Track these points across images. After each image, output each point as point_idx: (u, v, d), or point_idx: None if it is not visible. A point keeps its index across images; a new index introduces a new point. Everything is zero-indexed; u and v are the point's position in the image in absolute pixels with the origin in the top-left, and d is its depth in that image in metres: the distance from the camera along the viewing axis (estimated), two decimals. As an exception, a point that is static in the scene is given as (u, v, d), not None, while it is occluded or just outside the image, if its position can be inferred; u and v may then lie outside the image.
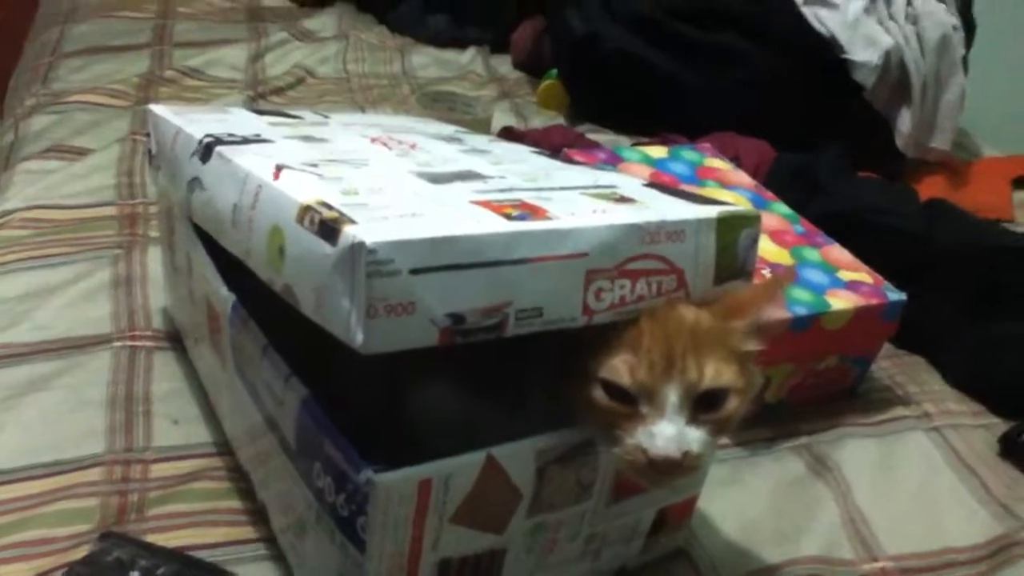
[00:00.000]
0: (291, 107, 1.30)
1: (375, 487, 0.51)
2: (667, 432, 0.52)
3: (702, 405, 0.54)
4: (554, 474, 0.57)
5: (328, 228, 0.48)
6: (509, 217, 0.52)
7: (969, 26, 1.43)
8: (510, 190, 0.59)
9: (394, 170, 0.64)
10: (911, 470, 0.84)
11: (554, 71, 1.48)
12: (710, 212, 0.58)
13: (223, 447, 0.75)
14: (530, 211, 0.54)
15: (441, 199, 0.57)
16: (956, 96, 1.39)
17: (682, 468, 0.53)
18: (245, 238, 0.58)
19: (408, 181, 0.60)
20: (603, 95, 1.43)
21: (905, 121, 1.37)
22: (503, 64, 1.63)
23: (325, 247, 0.48)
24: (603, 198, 0.60)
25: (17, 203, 1.04)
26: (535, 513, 0.58)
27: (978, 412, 0.93)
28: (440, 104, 1.28)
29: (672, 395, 0.53)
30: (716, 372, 0.54)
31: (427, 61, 1.60)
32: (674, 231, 0.56)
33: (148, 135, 0.79)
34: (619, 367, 0.53)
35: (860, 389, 0.93)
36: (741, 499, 0.78)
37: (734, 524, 0.75)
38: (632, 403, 0.54)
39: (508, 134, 1.26)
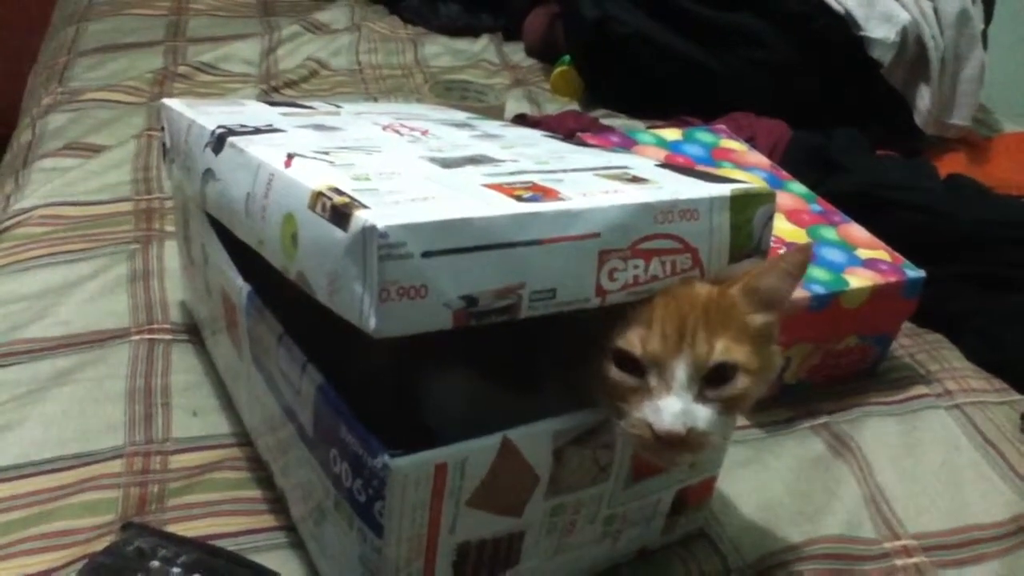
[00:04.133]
0: (305, 99, 1.30)
1: (391, 471, 0.51)
2: (673, 407, 0.52)
3: (712, 382, 0.54)
4: (571, 455, 0.57)
5: (340, 213, 0.48)
6: (520, 199, 0.52)
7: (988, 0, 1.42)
8: (522, 173, 0.59)
9: (405, 155, 0.64)
10: (933, 448, 0.84)
11: (567, 57, 1.48)
12: (724, 190, 0.58)
13: (242, 437, 0.76)
14: (542, 193, 0.54)
15: (452, 183, 0.56)
16: (975, 71, 1.38)
17: (687, 444, 0.53)
18: (259, 227, 0.58)
19: (419, 166, 0.60)
20: (617, 79, 1.42)
21: (924, 98, 1.36)
22: (516, 52, 1.62)
23: (337, 232, 0.48)
24: (615, 179, 0.59)
25: (35, 201, 1.05)
26: (553, 495, 0.58)
27: (1000, 389, 0.92)
28: (453, 93, 1.28)
29: (680, 369, 0.53)
30: (726, 348, 0.53)
31: (440, 50, 1.59)
32: (687, 209, 0.56)
33: (162, 129, 0.79)
34: (632, 338, 0.53)
35: (880, 368, 0.92)
36: (761, 479, 0.78)
37: (755, 504, 0.75)
38: (642, 376, 0.53)
39: (522, 121, 1.26)
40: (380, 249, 0.46)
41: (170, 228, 1.01)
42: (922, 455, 0.83)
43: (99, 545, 0.64)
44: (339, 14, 1.67)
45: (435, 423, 0.59)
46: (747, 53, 1.36)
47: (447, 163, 0.61)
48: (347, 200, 0.49)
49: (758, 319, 0.56)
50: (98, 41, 1.49)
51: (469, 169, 0.60)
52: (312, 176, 0.54)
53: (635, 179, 0.60)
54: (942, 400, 0.89)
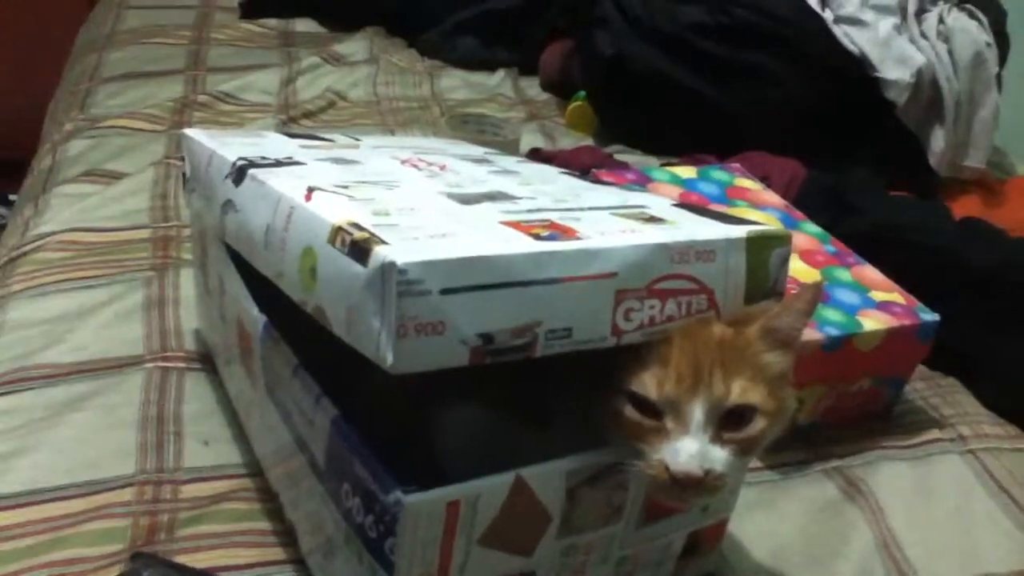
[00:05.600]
0: (323, 130, 1.31)
1: (404, 508, 0.51)
2: (690, 449, 0.52)
3: (728, 424, 0.54)
4: (584, 496, 0.57)
5: (359, 249, 0.49)
6: (538, 237, 0.52)
7: (1003, 42, 1.42)
8: (539, 211, 0.60)
9: (424, 191, 0.64)
10: (946, 494, 0.83)
11: (582, 92, 1.49)
12: (740, 232, 0.58)
13: (253, 468, 0.76)
14: (559, 231, 0.54)
15: (471, 220, 0.57)
16: (990, 113, 1.38)
17: (704, 486, 0.53)
18: (278, 259, 0.59)
19: (438, 202, 0.61)
20: (632, 115, 1.43)
21: (938, 139, 1.36)
22: (532, 86, 1.64)
23: (356, 267, 0.48)
24: (632, 218, 0.60)
25: (54, 226, 1.06)
26: (565, 535, 0.58)
27: (1015, 436, 0.91)
28: (469, 126, 1.28)
29: (697, 411, 0.53)
30: (743, 390, 0.53)
31: (456, 83, 1.61)
32: (704, 251, 0.56)
33: (182, 158, 0.80)
34: (647, 380, 0.53)
35: (894, 411, 0.92)
36: (773, 523, 0.77)
37: (766, 548, 0.74)
38: (658, 417, 0.53)
39: (536, 155, 1.27)
40: (399, 285, 0.46)
41: (186, 256, 1.02)
42: (935, 501, 0.82)
43: (108, 575, 0.64)
44: (358, 46, 1.69)
45: (448, 459, 0.59)
46: (762, 92, 1.37)
47: (465, 199, 0.62)
48: (367, 235, 0.49)
49: (774, 360, 0.56)
50: (119, 69, 1.51)
51: (487, 206, 0.60)
52: (332, 210, 0.54)
53: (652, 219, 0.60)
54: (956, 445, 0.88)
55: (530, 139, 1.39)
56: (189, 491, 0.74)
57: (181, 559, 0.67)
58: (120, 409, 0.81)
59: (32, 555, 0.67)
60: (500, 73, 1.65)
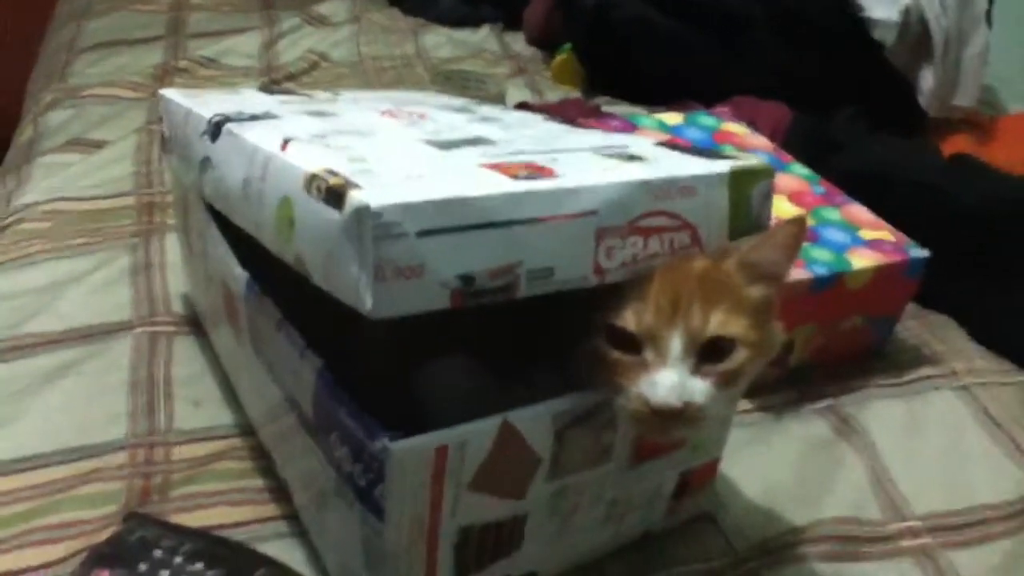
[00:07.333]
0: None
1: (391, 454, 0.50)
2: (669, 381, 0.52)
3: (708, 356, 0.53)
4: (573, 437, 0.57)
5: (334, 194, 0.48)
6: (516, 177, 0.52)
7: (991, -22, 1.41)
8: (519, 153, 0.59)
9: (402, 138, 0.64)
10: (939, 429, 0.83)
11: (567, 45, 1.47)
12: (722, 167, 0.57)
13: (244, 428, 0.76)
14: (538, 172, 0.53)
15: (449, 164, 0.56)
16: (979, 51, 1.37)
17: (684, 418, 0.52)
18: (256, 212, 0.58)
19: (416, 148, 0.60)
20: (617, 65, 1.41)
21: (927, 79, 1.35)
22: (517, 41, 1.62)
23: (332, 213, 0.48)
24: (613, 157, 0.59)
25: (37, 196, 1.05)
26: (555, 477, 0.58)
27: (1007, 370, 0.91)
28: (454, 83, 1.27)
29: (676, 343, 0.52)
30: (722, 321, 0.53)
31: (440, 41, 1.59)
32: (686, 187, 0.55)
33: (161, 120, 0.79)
34: (627, 314, 0.53)
35: (886, 349, 0.92)
36: (765, 462, 0.77)
37: (759, 487, 0.75)
38: (638, 352, 0.53)
39: (524, 109, 1.26)
40: (375, 229, 0.46)
41: (171, 221, 1.01)
42: (928, 436, 0.82)
43: (102, 537, 0.64)
44: (339, 6, 1.66)
45: (433, 408, 0.59)
46: (747, 37, 1.35)
47: (444, 145, 0.61)
48: (342, 181, 0.48)
49: (754, 292, 0.56)
50: (99, 38, 1.49)
51: (467, 150, 0.60)
52: (308, 159, 0.53)
53: (633, 157, 0.59)
54: (948, 381, 0.88)
55: (517, 94, 1.38)
56: (181, 452, 0.74)
57: (176, 519, 0.67)
58: (110, 374, 0.81)
59: (26, 520, 0.67)
60: (484, 29, 1.63)
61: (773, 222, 0.61)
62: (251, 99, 0.76)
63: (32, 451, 0.73)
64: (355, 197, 0.46)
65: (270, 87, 1.34)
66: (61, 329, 0.86)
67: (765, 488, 0.75)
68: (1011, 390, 0.88)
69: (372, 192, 0.47)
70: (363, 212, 0.46)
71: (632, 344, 0.53)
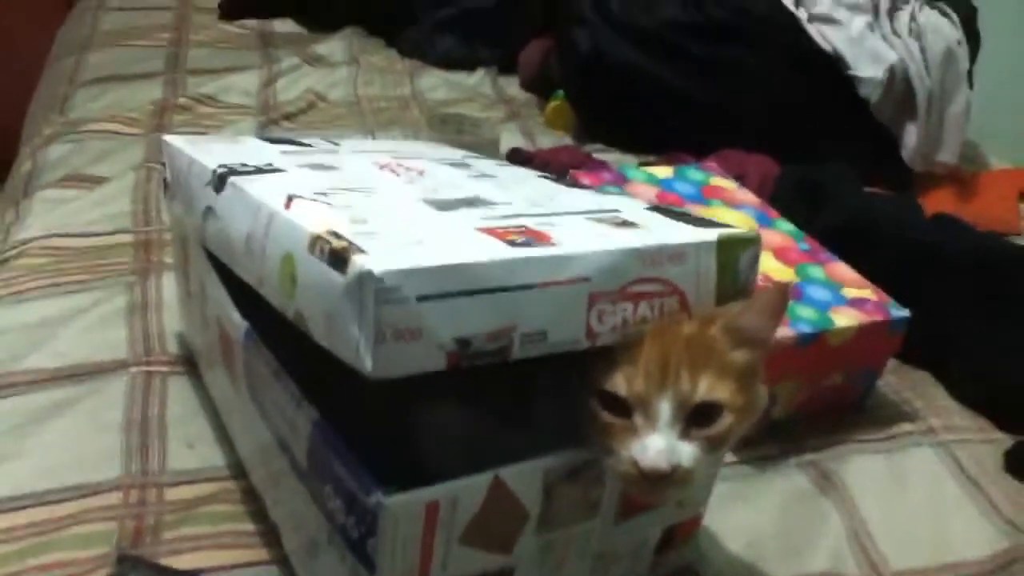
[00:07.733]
0: (303, 132, 1.32)
1: (384, 509, 0.52)
2: (658, 445, 0.54)
3: (696, 420, 0.55)
4: (561, 492, 0.58)
5: (338, 257, 0.50)
6: (513, 243, 0.54)
7: (973, 39, 1.44)
8: (515, 216, 0.61)
9: (402, 198, 0.66)
10: (917, 485, 0.85)
11: (561, 91, 1.50)
12: (710, 235, 0.60)
13: (236, 470, 0.77)
14: (534, 237, 0.55)
15: (447, 226, 0.58)
16: (961, 109, 1.40)
17: (672, 481, 0.54)
18: (258, 266, 0.60)
19: (416, 208, 0.62)
20: (610, 113, 1.44)
21: (911, 135, 1.39)
22: (511, 85, 1.64)
23: (335, 276, 0.50)
24: (606, 222, 0.61)
25: (35, 232, 1.06)
26: (543, 531, 0.59)
27: (984, 427, 0.93)
28: (448, 126, 1.29)
29: (665, 407, 0.54)
30: (709, 386, 0.55)
31: (436, 83, 1.61)
32: (675, 253, 0.58)
33: (163, 163, 0.81)
34: (617, 378, 0.55)
35: (867, 405, 0.94)
36: (748, 516, 0.79)
37: (741, 541, 0.76)
38: (629, 416, 0.55)
39: (516, 155, 1.28)
40: (377, 293, 0.47)
41: (168, 260, 1.02)
42: (907, 492, 0.84)
43: (95, 577, 0.65)
44: (337, 47, 1.69)
45: (429, 460, 0.60)
46: (738, 89, 1.39)
47: (443, 206, 0.63)
48: (346, 244, 0.50)
49: (740, 357, 0.58)
50: (99, 72, 1.51)
51: (464, 212, 0.61)
52: (311, 218, 0.55)
53: (625, 223, 0.61)
54: (927, 437, 0.90)
55: (510, 138, 1.40)
56: (174, 494, 0.75)
57: (167, 561, 0.68)
58: (104, 413, 0.82)
59: (19, 559, 0.67)
60: (480, 72, 1.66)
61: (759, 278, 0.63)
62: (253, 149, 0.78)
63: (26, 489, 0.73)
64: (358, 262, 0.48)
65: (270, 131, 1.36)
66: (56, 367, 0.87)
67: (747, 542, 0.76)
68: (987, 448, 0.90)
69: (375, 257, 0.49)
70: (366, 277, 0.48)
71: (623, 408, 0.55)
